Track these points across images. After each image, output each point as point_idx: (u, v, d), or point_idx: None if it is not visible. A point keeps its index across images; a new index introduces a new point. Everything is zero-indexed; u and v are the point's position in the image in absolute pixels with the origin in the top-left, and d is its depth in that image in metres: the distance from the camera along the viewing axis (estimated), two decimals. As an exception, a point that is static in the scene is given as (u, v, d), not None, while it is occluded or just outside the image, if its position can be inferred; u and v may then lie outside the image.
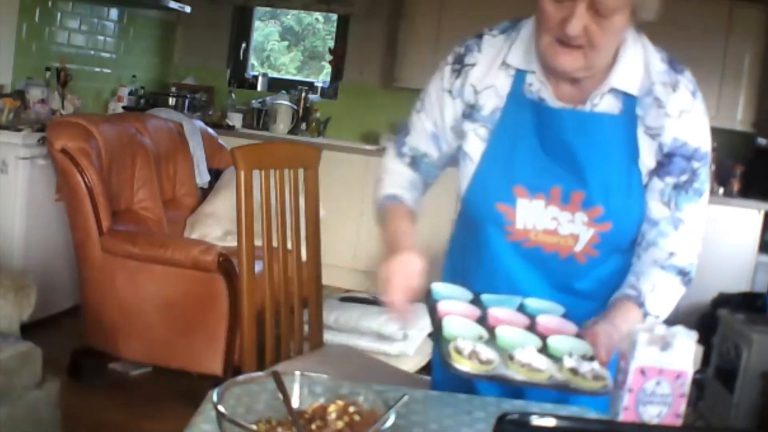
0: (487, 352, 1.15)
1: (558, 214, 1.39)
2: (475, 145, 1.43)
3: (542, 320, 1.30)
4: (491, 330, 1.23)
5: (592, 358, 1.19)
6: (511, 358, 1.15)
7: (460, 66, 1.46)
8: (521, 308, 1.36)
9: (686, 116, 1.37)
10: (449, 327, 1.21)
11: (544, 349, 1.20)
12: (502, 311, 1.31)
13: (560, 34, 1.28)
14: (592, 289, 1.40)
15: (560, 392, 1.17)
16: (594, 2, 1.24)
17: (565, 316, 1.34)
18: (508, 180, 1.39)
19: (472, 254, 1.49)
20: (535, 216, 1.40)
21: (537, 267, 1.42)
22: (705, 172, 1.42)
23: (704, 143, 1.41)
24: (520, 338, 1.22)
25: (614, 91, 1.37)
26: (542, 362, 1.15)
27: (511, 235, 1.41)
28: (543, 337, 1.24)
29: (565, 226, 1.39)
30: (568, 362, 1.16)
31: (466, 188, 1.45)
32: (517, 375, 1.13)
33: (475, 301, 1.35)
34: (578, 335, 1.27)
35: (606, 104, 1.37)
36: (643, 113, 1.37)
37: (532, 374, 1.13)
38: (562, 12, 1.26)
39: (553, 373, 1.14)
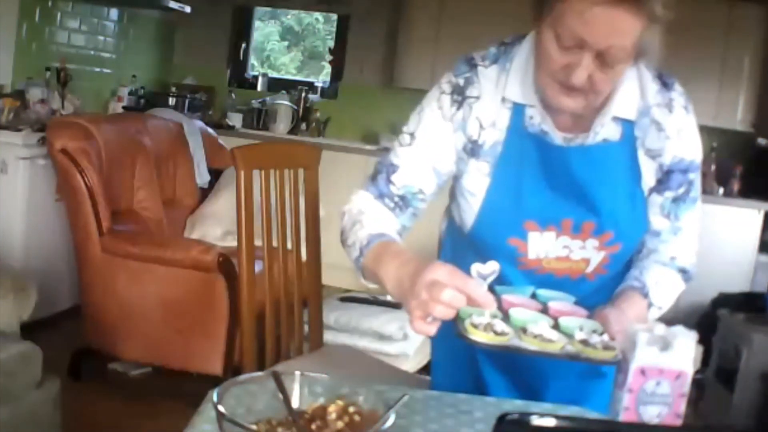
0: (501, 325, 1.16)
1: (569, 243, 1.40)
2: (478, 180, 1.40)
3: (554, 305, 1.31)
4: (505, 313, 1.25)
5: (602, 334, 1.20)
6: (525, 331, 1.17)
7: (461, 97, 1.39)
8: (533, 297, 1.38)
9: (683, 133, 1.39)
10: (464, 308, 1.21)
11: (556, 328, 1.21)
12: (515, 297, 1.32)
13: (563, 79, 1.25)
14: (600, 303, 1.41)
15: (573, 362, 1.17)
16: (601, 53, 1.21)
17: (576, 304, 1.35)
18: (518, 215, 1.38)
19: None
20: (547, 247, 1.40)
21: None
22: (698, 179, 1.45)
23: (698, 154, 1.43)
24: (533, 317, 1.23)
25: (614, 118, 1.37)
26: (554, 335, 1.16)
27: (523, 265, 1.42)
28: (555, 319, 1.25)
29: (577, 252, 1.40)
30: (579, 335, 1.17)
31: (472, 224, 1.42)
32: (531, 346, 1.14)
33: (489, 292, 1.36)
34: (589, 318, 1.28)
35: (607, 131, 1.37)
36: (642, 135, 1.38)
37: (545, 344, 1.14)
38: (567, 58, 1.23)
39: (565, 344, 1.16)
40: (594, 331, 1.20)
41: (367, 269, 1.26)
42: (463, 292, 1.05)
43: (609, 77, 1.26)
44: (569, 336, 1.18)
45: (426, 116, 1.41)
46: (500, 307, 1.27)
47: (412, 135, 1.42)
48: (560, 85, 1.27)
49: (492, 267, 1.14)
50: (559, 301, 1.34)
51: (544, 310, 1.29)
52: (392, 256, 1.20)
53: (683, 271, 1.45)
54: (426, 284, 1.06)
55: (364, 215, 1.34)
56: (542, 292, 1.38)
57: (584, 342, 1.16)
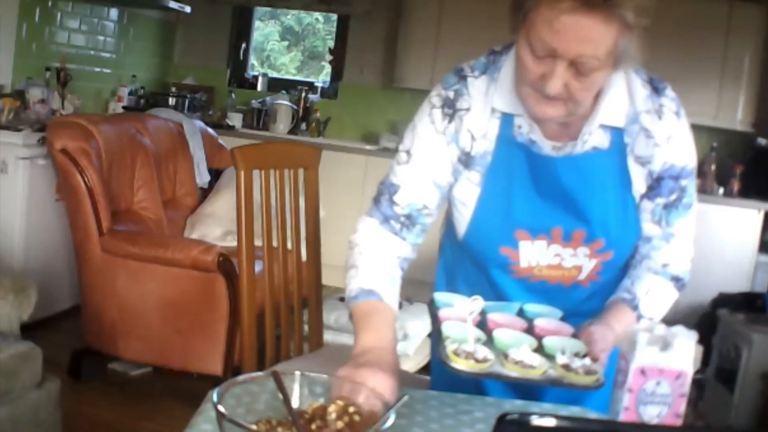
0: (483, 352, 1.17)
1: (561, 251, 1.40)
2: (468, 190, 1.40)
3: (540, 323, 1.32)
4: (489, 333, 1.25)
5: (585, 356, 1.20)
6: (506, 356, 1.17)
7: (452, 110, 1.39)
8: (520, 313, 1.38)
9: (673, 140, 1.38)
10: (447, 331, 1.23)
11: (539, 349, 1.22)
12: (500, 316, 1.33)
13: (540, 88, 1.24)
14: (596, 309, 1.41)
15: (554, 387, 1.19)
16: (574, 62, 1.20)
17: (563, 319, 1.35)
18: (508, 225, 1.38)
19: (477, 285, 1.47)
20: (538, 255, 1.40)
21: (542, 297, 1.44)
22: (692, 185, 1.43)
23: (690, 160, 1.41)
24: (516, 339, 1.23)
25: (602, 125, 1.36)
26: (535, 360, 1.16)
27: (515, 273, 1.42)
28: (539, 338, 1.25)
29: (569, 260, 1.40)
30: (561, 359, 1.18)
31: (464, 233, 1.43)
32: (512, 372, 1.15)
33: None
34: (574, 336, 1.28)
35: (595, 139, 1.36)
36: (632, 141, 1.37)
37: (526, 371, 1.15)
38: (541, 67, 1.22)
39: (546, 369, 1.16)
40: (576, 354, 1.19)
41: (351, 319, 1.32)
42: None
43: (585, 86, 1.24)
44: (551, 358, 1.18)
45: (419, 132, 1.41)
46: (485, 327, 1.27)
47: (408, 152, 1.42)
48: (539, 94, 1.26)
49: (478, 304, 1.19)
50: (546, 318, 1.34)
51: (530, 328, 1.30)
52: (369, 328, 1.26)
53: (676, 279, 1.44)
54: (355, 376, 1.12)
55: (361, 257, 1.37)
56: (529, 308, 1.39)
57: (566, 366, 1.16)
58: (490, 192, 1.39)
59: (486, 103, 1.38)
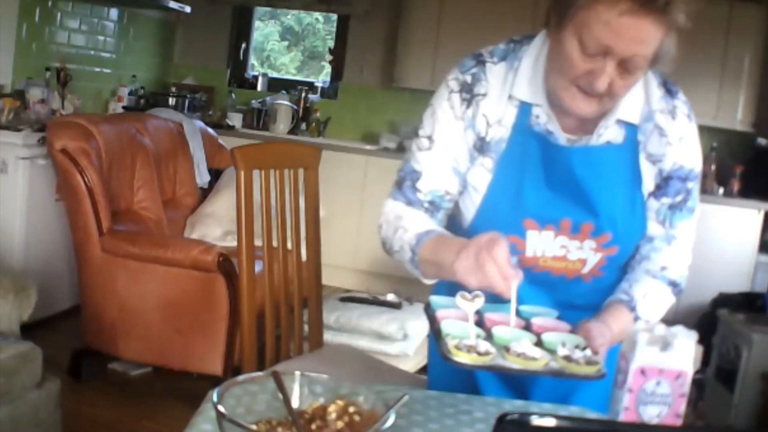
0: (484, 345, 1.17)
1: (567, 243, 1.40)
2: (481, 175, 1.42)
3: (537, 321, 1.32)
4: (488, 331, 1.25)
5: (585, 348, 1.20)
6: (507, 350, 1.17)
7: (469, 95, 1.40)
8: (516, 314, 1.38)
9: (684, 141, 1.41)
10: (447, 328, 1.24)
11: (539, 344, 1.22)
12: (497, 315, 1.33)
13: (584, 84, 1.27)
14: (594, 303, 1.42)
15: (557, 378, 1.19)
16: (624, 61, 1.23)
17: (559, 318, 1.35)
18: (517, 213, 1.39)
19: None
20: (544, 245, 1.41)
21: (544, 288, 1.44)
22: (697, 189, 1.46)
23: (697, 163, 1.45)
24: (515, 335, 1.23)
25: (618, 121, 1.38)
26: (537, 352, 1.17)
27: (520, 262, 1.42)
28: (537, 335, 1.25)
29: (574, 253, 1.41)
30: (562, 351, 1.18)
31: (472, 218, 1.44)
32: (514, 364, 1.15)
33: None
34: (572, 332, 1.28)
35: (610, 133, 1.39)
36: (645, 139, 1.40)
37: (528, 363, 1.15)
38: (589, 65, 1.25)
39: (548, 361, 1.16)
40: (576, 346, 1.20)
41: (425, 263, 1.31)
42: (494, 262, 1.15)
43: (627, 83, 1.27)
44: (552, 352, 1.19)
45: (439, 118, 1.43)
46: (483, 326, 1.28)
47: (429, 138, 1.43)
48: (579, 90, 1.28)
49: (480, 301, 1.19)
50: (542, 317, 1.34)
51: (527, 326, 1.30)
52: (454, 241, 1.27)
53: (674, 285, 1.45)
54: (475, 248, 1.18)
55: (402, 219, 1.39)
56: (525, 309, 1.39)
57: (567, 358, 1.16)
58: (502, 179, 1.40)
59: (503, 90, 1.39)
